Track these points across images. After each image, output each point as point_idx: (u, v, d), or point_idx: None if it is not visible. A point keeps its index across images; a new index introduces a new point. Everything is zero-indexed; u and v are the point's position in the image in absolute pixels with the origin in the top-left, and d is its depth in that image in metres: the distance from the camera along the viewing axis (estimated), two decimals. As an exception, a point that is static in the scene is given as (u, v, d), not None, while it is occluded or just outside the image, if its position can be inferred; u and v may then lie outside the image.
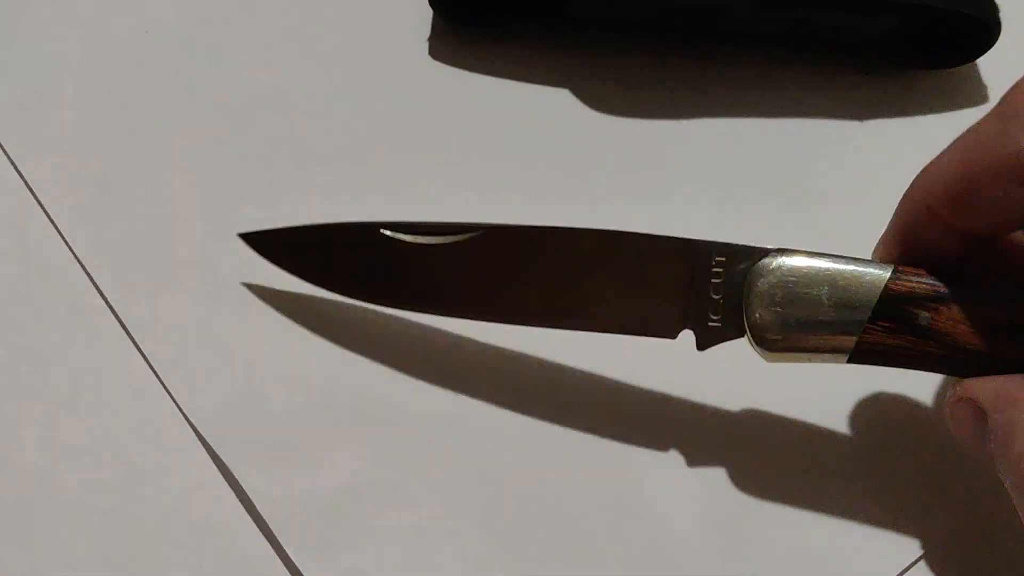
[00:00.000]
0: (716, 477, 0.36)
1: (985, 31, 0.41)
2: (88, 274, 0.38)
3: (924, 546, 0.35)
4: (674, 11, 0.42)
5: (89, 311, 0.38)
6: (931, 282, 0.32)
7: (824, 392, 0.37)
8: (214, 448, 0.36)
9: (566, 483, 0.36)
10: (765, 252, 0.34)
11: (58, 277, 0.38)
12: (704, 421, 0.37)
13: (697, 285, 0.34)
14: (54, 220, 0.39)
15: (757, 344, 0.33)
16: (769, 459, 0.36)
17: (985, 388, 0.31)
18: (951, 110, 0.42)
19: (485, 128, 0.42)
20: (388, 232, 0.36)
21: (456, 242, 0.36)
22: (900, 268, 0.33)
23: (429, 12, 0.43)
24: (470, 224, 0.36)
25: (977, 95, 0.43)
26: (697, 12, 0.42)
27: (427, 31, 0.43)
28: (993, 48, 0.42)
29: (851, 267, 0.33)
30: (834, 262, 0.33)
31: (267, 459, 0.36)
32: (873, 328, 0.32)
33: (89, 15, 0.44)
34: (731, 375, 0.36)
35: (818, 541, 0.35)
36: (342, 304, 0.38)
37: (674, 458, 0.36)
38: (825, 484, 0.36)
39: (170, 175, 0.40)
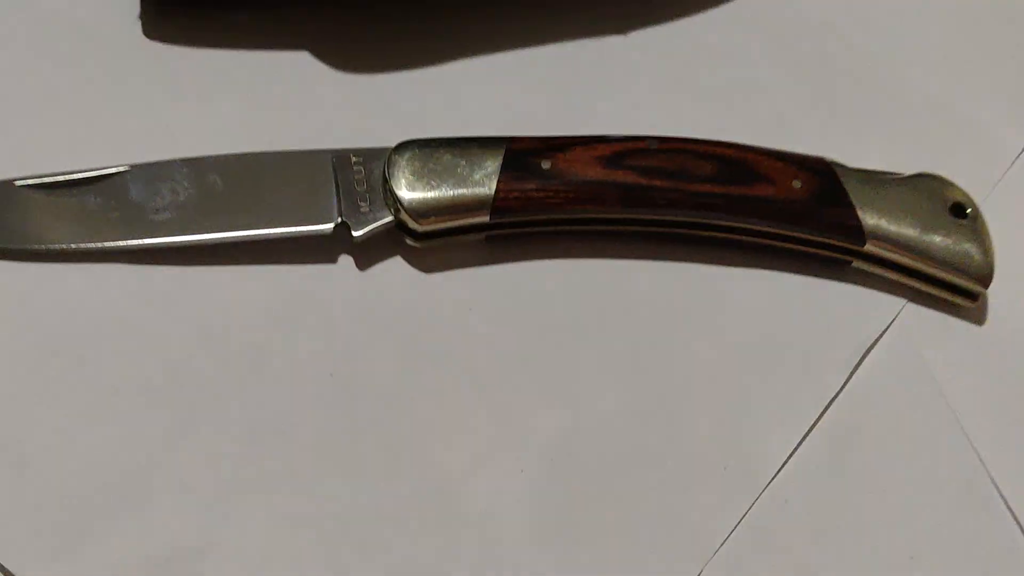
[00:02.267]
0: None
1: None
2: None
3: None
4: None
5: None
6: (545, 138, 0.37)
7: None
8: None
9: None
10: (395, 145, 0.37)
11: None
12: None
13: (344, 182, 0.37)
14: None
15: (408, 216, 0.36)
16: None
17: None
18: (710, 8, 0.44)
19: (213, 107, 0.40)
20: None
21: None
22: (516, 136, 0.37)
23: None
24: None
25: None
26: None
27: (136, 11, 0.41)
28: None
29: (475, 142, 0.37)
30: (459, 142, 0.37)
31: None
32: (506, 177, 0.36)
33: None
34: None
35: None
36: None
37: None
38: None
39: None
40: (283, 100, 0.40)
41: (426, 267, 0.37)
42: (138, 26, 0.40)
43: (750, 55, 0.43)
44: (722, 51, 0.43)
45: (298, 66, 0.40)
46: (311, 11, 0.41)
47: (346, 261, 0.37)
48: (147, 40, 0.40)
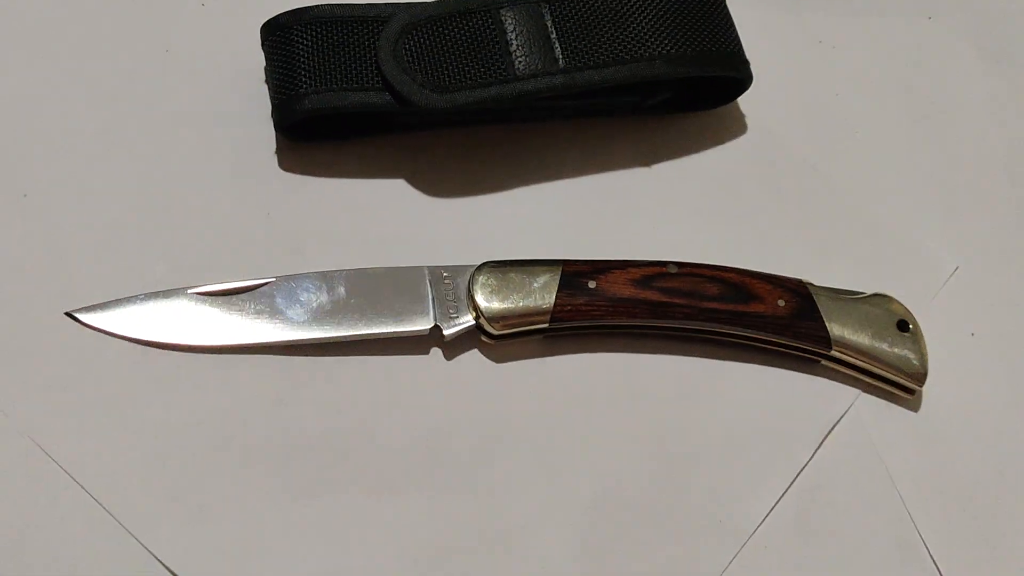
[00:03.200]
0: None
1: (741, 84, 0.54)
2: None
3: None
4: (487, 109, 0.52)
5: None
6: (590, 261, 0.49)
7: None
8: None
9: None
10: (477, 265, 0.48)
11: None
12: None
13: (437, 293, 0.48)
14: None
15: (487, 321, 0.47)
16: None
17: None
18: (719, 144, 0.55)
19: (334, 225, 0.50)
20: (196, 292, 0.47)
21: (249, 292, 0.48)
22: (568, 260, 0.49)
23: (270, 131, 0.51)
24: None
25: (737, 127, 0.56)
26: (508, 108, 0.53)
27: (273, 146, 0.52)
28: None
29: (538, 263, 0.49)
30: (526, 263, 0.49)
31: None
32: (561, 295, 0.48)
33: None
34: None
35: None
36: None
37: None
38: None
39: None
40: (385, 219, 0.51)
41: (497, 358, 0.49)
42: (275, 159, 0.52)
43: (746, 186, 0.54)
44: (725, 182, 0.54)
45: (397, 190, 0.52)
46: (407, 146, 0.53)
47: (436, 353, 0.48)
48: (281, 171, 0.51)
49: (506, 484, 0.46)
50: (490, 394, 0.48)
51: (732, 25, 0.53)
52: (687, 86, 0.54)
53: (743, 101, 0.56)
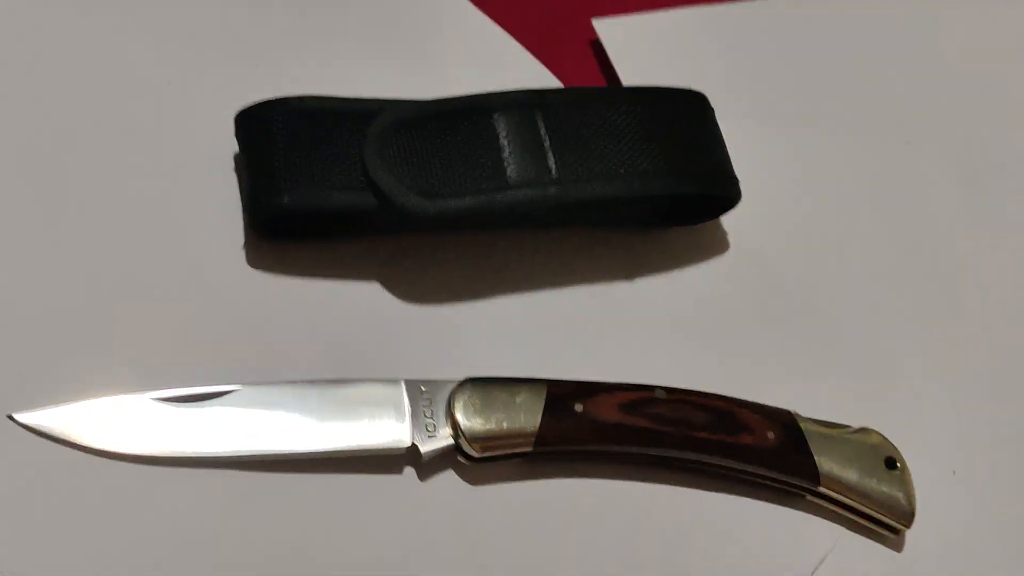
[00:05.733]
0: None
1: (730, 201, 0.52)
2: None
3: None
4: (474, 216, 0.48)
5: None
6: (577, 383, 0.46)
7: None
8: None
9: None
10: (459, 381, 0.46)
11: None
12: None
13: (414, 409, 0.45)
14: None
15: (467, 442, 0.44)
16: None
17: None
18: (702, 261, 0.54)
19: (303, 328, 0.47)
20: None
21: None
22: (553, 380, 0.46)
23: (238, 224, 0.48)
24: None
25: (720, 244, 0.54)
26: (496, 216, 0.50)
27: (241, 240, 0.48)
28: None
29: (522, 383, 0.46)
30: (510, 382, 0.46)
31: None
32: (547, 418, 0.45)
33: None
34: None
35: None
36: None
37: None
38: None
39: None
40: (358, 324, 0.48)
41: (474, 481, 0.46)
42: (243, 255, 0.48)
43: (732, 306, 0.53)
44: (708, 300, 0.53)
45: (369, 295, 0.49)
46: (381, 249, 0.50)
47: (410, 472, 0.45)
48: (250, 267, 0.48)
49: (480, 619, 0.43)
50: (466, 519, 0.45)
51: (723, 142, 0.52)
52: (676, 201, 0.53)
53: (725, 217, 0.54)
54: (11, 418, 0.42)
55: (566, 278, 0.52)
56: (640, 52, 0.59)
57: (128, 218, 0.48)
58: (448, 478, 0.46)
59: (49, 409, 0.43)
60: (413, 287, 0.50)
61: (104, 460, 0.42)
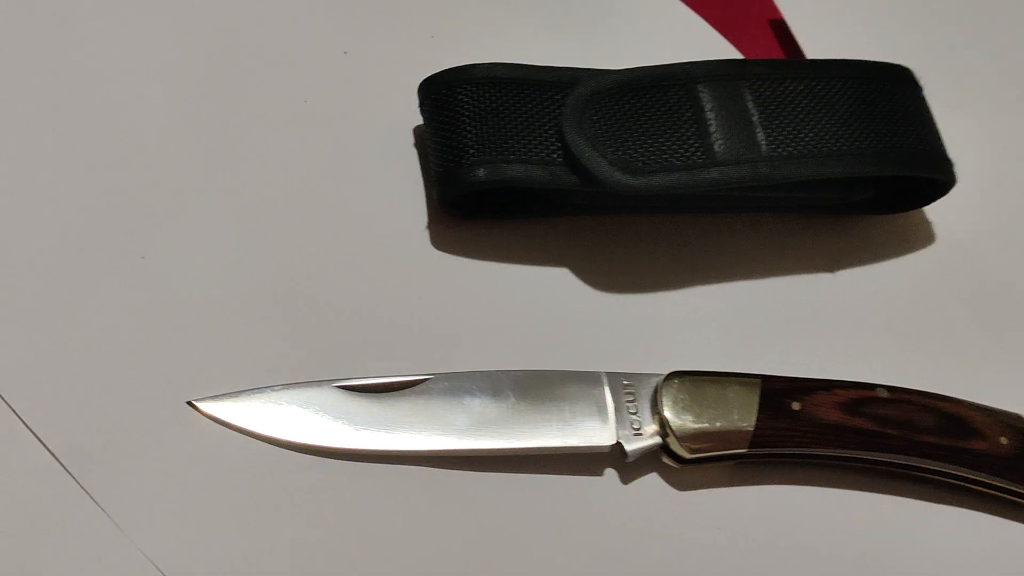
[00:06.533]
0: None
1: (939, 188, 0.48)
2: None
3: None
4: (674, 196, 0.45)
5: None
6: (791, 379, 0.42)
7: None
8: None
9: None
10: (665, 374, 0.42)
11: None
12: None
13: (617, 405, 0.41)
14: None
15: (678, 442, 0.40)
16: None
17: None
18: (908, 252, 0.49)
19: (492, 314, 0.44)
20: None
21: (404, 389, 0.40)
22: (767, 375, 0.42)
23: (420, 203, 0.45)
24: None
25: (924, 235, 0.49)
26: (696, 197, 0.46)
27: (424, 220, 0.45)
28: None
29: (734, 377, 0.42)
30: (720, 376, 0.42)
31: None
32: (763, 416, 0.41)
33: None
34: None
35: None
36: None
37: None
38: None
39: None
40: (547, 310, 0.44)
41: (681, 486, 0.42)
42: (426, 236, 0.45)
43: (942, 301, 0.48)
44: (918, 295, 0.48)
45: (559, 280, 0.45)
46: (571, 230, 0.46)
47: (611, 474, 0.41)
48: (435, 249, 0.44)
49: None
50: (673, 527, 0.41)
51: (935, 122, 0.48)
52: (885, 186, 0.48)
53: (929, 207, 0.50)
54: (191, 404, 0.39)
55: (764, 267, 0.48)
56: (826, 29, 0.55)
57: (306, 199, 0.45)
58: (652, 481, 0.42)
59: (228, 398, 0.39)
60: (603, 272, 0.46)
61: (284, 451, 0.39)
